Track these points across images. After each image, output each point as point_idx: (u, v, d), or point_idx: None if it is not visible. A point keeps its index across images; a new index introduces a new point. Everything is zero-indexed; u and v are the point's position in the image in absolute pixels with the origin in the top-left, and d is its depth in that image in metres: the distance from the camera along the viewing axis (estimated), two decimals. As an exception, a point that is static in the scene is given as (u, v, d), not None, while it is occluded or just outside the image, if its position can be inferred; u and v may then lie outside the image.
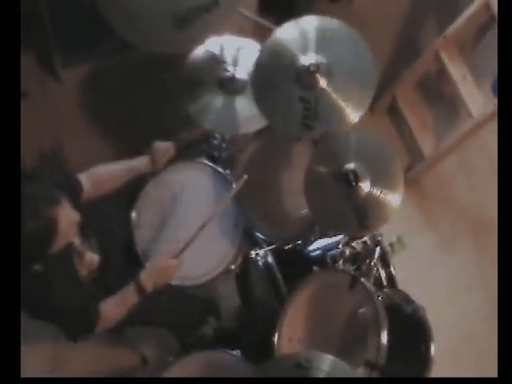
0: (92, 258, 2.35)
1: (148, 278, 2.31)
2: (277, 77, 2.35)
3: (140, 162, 2.53)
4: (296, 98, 2.30)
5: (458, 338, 3.19)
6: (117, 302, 2.29)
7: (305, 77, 2.30)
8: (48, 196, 1.96)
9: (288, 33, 2.35)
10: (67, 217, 2.00)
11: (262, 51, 2.40)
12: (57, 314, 2.19)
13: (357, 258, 2.70)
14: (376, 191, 2.31)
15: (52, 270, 2.11)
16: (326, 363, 2.02)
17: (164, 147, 2.57)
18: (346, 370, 2.04)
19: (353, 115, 2.29)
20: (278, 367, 2.13)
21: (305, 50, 2.32)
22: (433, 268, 3.35)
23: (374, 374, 2.22)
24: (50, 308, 2.16)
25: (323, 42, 2.33)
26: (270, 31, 2.40)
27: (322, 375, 1.99)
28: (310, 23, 2.35)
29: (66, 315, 2.18)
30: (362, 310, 2.41)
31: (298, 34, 2.34)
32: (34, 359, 2.89)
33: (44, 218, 1.92)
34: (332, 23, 2.35)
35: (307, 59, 2.31)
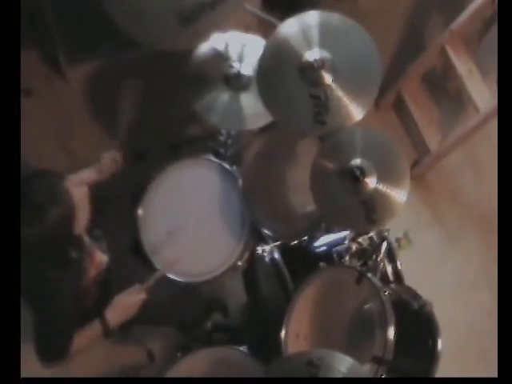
0: (102, 257, 2.37)
1: (112, 315, 2.34)
2: (282, 76, 2.34)
3: (89, 175, 2.54)
4: (305, 95, 2.29)
5: (464, 333, 3.19)
6: (83, 337, 2.31)
7: (310, 73, 2.29)
8: (53, 179, 2.10)
9: (290, 29, 2.34)
10: (76, 189, 2.13)
11: (264, 50, 2.39)
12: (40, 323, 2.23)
13: (363, 254, 2.70)
14: (382, 187, 2.31)
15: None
16: (338, 362, 2.02)
17: (110, 156, 2.59)
18: (357, 369, 2.03)
19: (359, 109, 2.28)
20: (289, 365, 2.13)
21: (308, 46, 2.32)
22: (439, 263, 3.34)
23: (381, 370, 2.23)
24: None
25: (326, 37, 2.32)
26: (274, 27, 2.40)
27: (333, 374, 1.98)
28: (312, 18, 2.34)
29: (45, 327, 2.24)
30: (368, 306, 2.40)
31: (301, 29, 2.33)
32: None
33: (59, 198, 2.05)
34: (334, 18, 2.34)
35: (311, 55, 2.31)
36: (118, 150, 2.60)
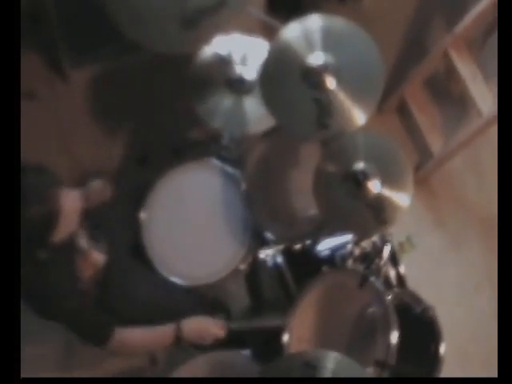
0: (98, 257, 2.37)
1: (189, 329, 2.38)
2: (285, 80, 2.34)
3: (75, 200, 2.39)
4: (307, 99, 2.29)
5: (467, 336, 3.19)
6: (145, 332, 2.34)
7: (313, 77, 2.29)
8: (49, 180, 2.09)
9: (293, 32, 2.34)
10: (69, 200, 2.11)
11: (267, 54, 2.39)
12: (68, 318, 2.24)
13: (366, 258, 2.69)
14: (385, 190, 2.31)
15: (53, 268, 2.16)
16: (335, 362, 2.01)
17: (98, 185, 2.54)
18: (354, 369, 2.03)
19: (362, 113, 2.28)
20: (286, 366, 2.13)
21: (311, 50, 2.32)
22: (442, 267, 3.34)
23: (384, 374, 2.22)
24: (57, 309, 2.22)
25: (329, 40, 2.32)
26: (277, 30, 2.40)
27: (330, 374, 1.98)
28: (314, 22, 2.34)
29: (77, 321, 2.25)
30: (371, 310, 2.40)
31: (303, 33, 2.33)
32: (43, 359, 2.90)
33: (46, 199, 2.03)
34: (337, 21, 2.34)
35: (315, 59, 2.31)
36: (106, 180, 2.57)
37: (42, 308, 2.23)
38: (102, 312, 2.32)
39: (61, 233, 2.12)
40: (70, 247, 2.26)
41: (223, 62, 2.65)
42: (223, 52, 2.66)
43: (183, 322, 2.38)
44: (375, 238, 2.71)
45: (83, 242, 2.31)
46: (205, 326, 2.42)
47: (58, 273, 2.21)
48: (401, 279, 2.75)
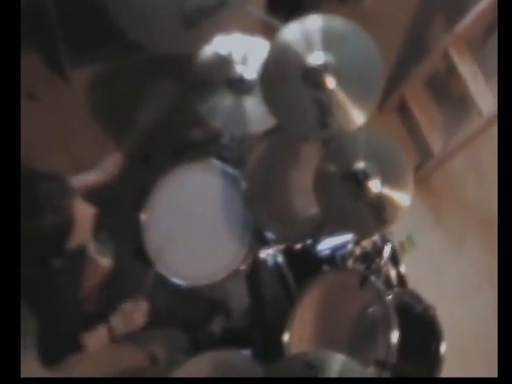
0: (105, 264, 2.38)
1: (118, 324, 2.36)
2: (285, 80, 2.33)
3: (91, 177, 2.57)
4: (308, 99, 2.29)
5: (468, 336, 3.19)
6: (92, 339, 2.32)
7: (313, 77, 2.29)
8: (62, 189, 2.08)
9: (293, 32, 2.34)
10: (82, 207, 2.13)
11: (267, 54, 2.39)
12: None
13: (367, 257, 2.70)
14: (386, 190, 2.31)
15: (64, 275, 2.16)
16: (336, 362, 2.02)
17: (113, 160, 2.62)
18: (356, 370, 2.03)
19: (362, 113, 2.28)
20: (288, 367, 2.13)
21: (311, 50, 2.31)
22: (443, 266, 3.34)
23: (385, 373, 2.22)
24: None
25: (329, 40, 2.32)
26: (278, 30, 2.40)
27: (332, 375, 1.98)
28: (314, 22, 2.34)
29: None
30: (371, 309, 2.40)
31: (303, 33, 2.32)
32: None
33: (60, 208, 2.03)
34: (337, 21, 2.34)
35: (315, 59, 2.31)
36: (119, 153, 2.61)
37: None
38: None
39: (75, 241, 2.13)
40: (80, 254, 2.27)
41: (224, 62, 2.65)
42: (224, 52, 2.66)
43: (111, 320, 2.36)
44: (376, 238, 2.71)
45: (92, 249, 2.33)
46: (129, 314, 2.39)
47: (67, 280, 2.22)
48: (401, 279, 2.76)
